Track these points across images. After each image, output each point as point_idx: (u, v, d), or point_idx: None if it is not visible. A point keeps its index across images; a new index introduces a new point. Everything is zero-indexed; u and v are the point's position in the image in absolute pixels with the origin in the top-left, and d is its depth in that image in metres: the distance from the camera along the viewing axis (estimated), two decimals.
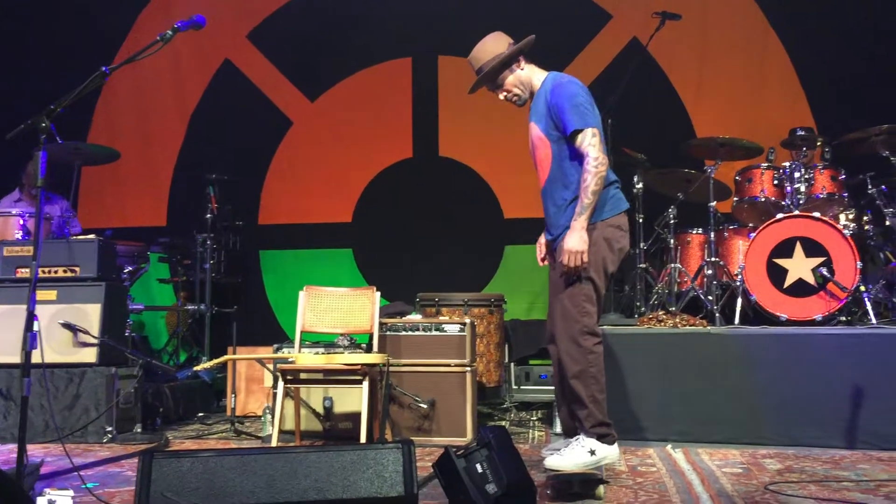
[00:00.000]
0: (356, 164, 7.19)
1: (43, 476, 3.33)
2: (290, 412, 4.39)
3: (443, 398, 4.46)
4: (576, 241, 3.27)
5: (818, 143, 5.18)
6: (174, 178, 7.43)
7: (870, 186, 5.04)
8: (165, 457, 2.61)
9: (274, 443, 4.01)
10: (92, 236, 5.07)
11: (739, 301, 4.75)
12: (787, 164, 5.05)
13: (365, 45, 7.23)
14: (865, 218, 5.16)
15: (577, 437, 3.33)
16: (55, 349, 4.65)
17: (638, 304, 5.31)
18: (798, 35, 6.51)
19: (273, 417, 4.12)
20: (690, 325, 4.68)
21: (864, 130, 4.98)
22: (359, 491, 2.61)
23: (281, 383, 4.07)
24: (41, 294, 4.68)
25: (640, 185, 5.41)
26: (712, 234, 5.03)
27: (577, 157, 3.32)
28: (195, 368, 4.65)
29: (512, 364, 5.73)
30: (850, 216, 5.12)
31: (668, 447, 4.14)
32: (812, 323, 4.58)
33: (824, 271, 4.59)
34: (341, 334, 4.58)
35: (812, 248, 4.64)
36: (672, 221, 5.34)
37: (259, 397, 5.42)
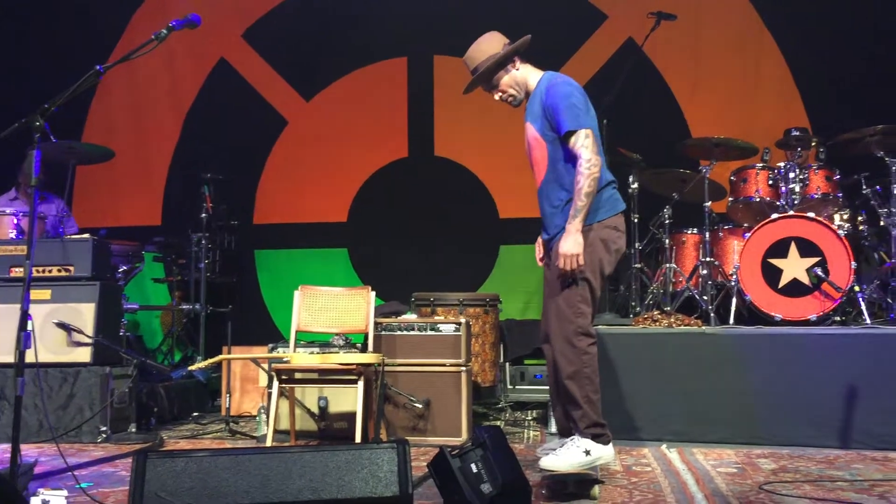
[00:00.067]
0: (351, 163, 7.19)
1: (37, 476, 3.33)
2: (285, 412, 4.38)
3: (438, 398, 4.46)
4: (571, 244, 3.27)
5: (813, 144, 5.19)
6: (169, 177, 7.41)
7: (864, 187, 5.05)
8: (159, 456, 2.61)
9: (269, 442, 4.00)
10: (86, 235, 5.06)
11: (734, 301, 4.76)
12: (782, 164, 5.06)
13: (360, 45, 7.22)
14: (860, 218, 5.17)
15: (572, 437, 3.33)
16: (49, 349, 4.64)
17: (633, 303, 5.32)
18: (793, 35, 6.53)
19: (268, 417, 4.11)
20: (685, 325, 4.69)
21: (859, 131, 4.99)
22: (353, 491, 2.61)
23: (276, 383, 4.07)
24: (35, 293, 4.64)
25: (635, 185, 5.42)
26: (707, 234, 5.04)
27: (572, 157, 3.32)
28: (190, 368, 4.64)
29: (507, 364, 5.72)
30: (845, 216, 5.13)
31: (663, 447, 4.15)
32: (807, 323, 4.59)
33: (819, 271, 4.59)
34: (336, 334, 4.57)
35: (807, 248, 4.65)
36: (667, 221, 5.35)
37: (254, 397, 5.41)
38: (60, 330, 4.68)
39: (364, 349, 4.50)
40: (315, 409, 4.52)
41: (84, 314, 4.73)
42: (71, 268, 4.85)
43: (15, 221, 5.22)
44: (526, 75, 3.54)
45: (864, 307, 4.55)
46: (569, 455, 3.24)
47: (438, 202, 7.01)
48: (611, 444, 3.35)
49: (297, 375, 4.17)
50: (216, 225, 6.47)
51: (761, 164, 5.15)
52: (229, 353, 5.21)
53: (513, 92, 3.55)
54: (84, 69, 3.10)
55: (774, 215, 4.79)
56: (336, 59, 7.26)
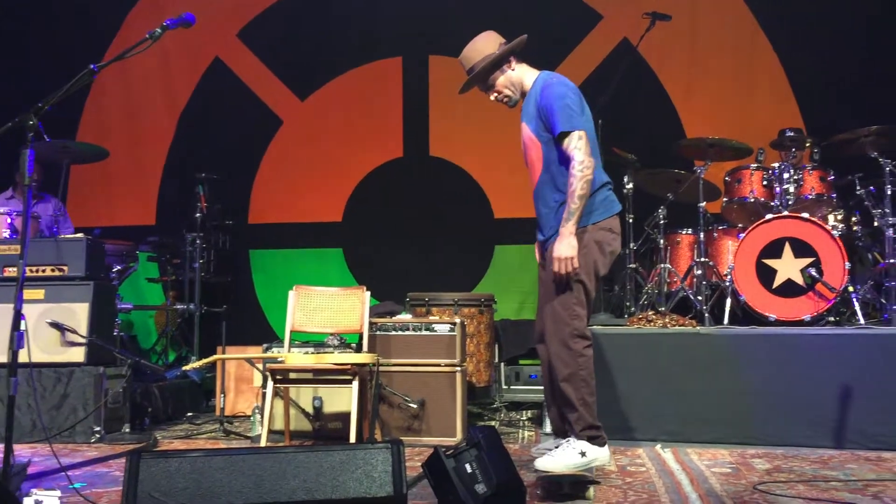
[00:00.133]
0: (346, 163, 7.18)
1: (30, 476, 3.31)
2: (280, 412, 4.37)
3: (433, 398, 4.46)
4: (565, 247, 3.26)
5: (807, 144, 5.20)
6: (163, 176, 7.40)
7: (858, 187, 5.06)
8: (153, 457, 2.60)
9: (263, 443, 3.99)
10: (80, 235, 5.04)
11: (729, 301, 4.77)
12: (777, 164, 5.07)
13: (355, 44, 7.22)
14: (854, 219, 5.18)
15: (568, 438, 3.34)
16: (43, 348, 4.62)
17: (628, 304, 5.32)
18: (787, 36, 6.54)
19: (262, 417, 4.11)
20: (680, 326, 4.70)
21: (853, 131, 5.00)
22: (347, 491, 2.61)
23: (270, 383, 4.06)
24: (29, 293, 4.65)
25: (630, 186, 5.42)
26: (702, 235, 5.05)
27: (566, 159, 3.32)
28: (184, 368, 4.64)
29: (502, 364, 5.72)
30: (839, 217, 5.14)
31: (658, 447, 4.15)
32: (801, 323, 4.60)
33: (813, 272, 4.60)
34: (331, 334, 4.56)
35: (801, 248, 4.66)
36: (662, 222, 5.35)
37: (248, 397, 5.40)
38: (54, 330, 4.66)
39: (359, 349, 4.49)
40: (310, 410, 4.51)
41: (78, 314, 4.72)
42: (65, 267, 4.83)
43: (9, 221, 5.20)
44: (521, 75, 3.54)
45: (857, 308, 4.56)
46: (564, 456, 3.24)
47: (433, 202, 7.01)
48: (606, 446, 3.35)
49: (292, 375, 4.16)
50: (211, 225, 6.46)
51: (756, 165, 5.16)
52: (224, 353, 5.20)
53: (508, 92, 3.55)
54: (81, 68, 3.09)
55: (769, 216, 4.80)
56: (331, 59, 7.25)
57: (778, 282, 4.69)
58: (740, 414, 4.28)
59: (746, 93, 6.58)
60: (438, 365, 4.49)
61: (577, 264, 3.27)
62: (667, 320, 4.75)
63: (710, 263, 5.09)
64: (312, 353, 4.45)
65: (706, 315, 4.81)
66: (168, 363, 6.30)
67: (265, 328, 6.89)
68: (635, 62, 6.02)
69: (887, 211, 4.83)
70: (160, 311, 6.73)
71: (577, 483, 3.22)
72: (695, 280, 5.06)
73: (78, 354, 4.67)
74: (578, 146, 3.28)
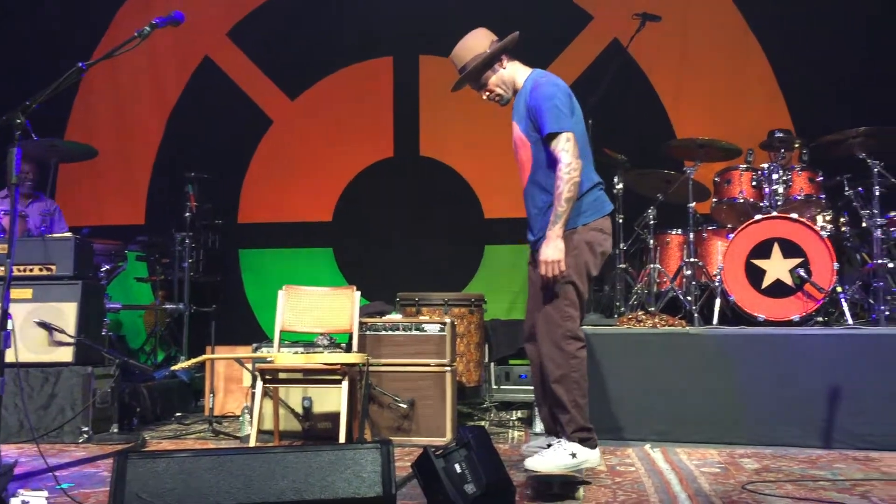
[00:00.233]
0: (337, 163, 7.17)
1: (16, 476, 3.29)
2: (269, 412, 4.36)
3: (422, 398, 4.45)
4: (552, 250, 3.25)
5: (796, 145, 5.22)
6: (153, 175, 7.37)
7: (847, 188, 5.09)
8: (140, 457, 2.58)
9: (252, 443, 3.98)
10: (68, 234, 5.01)
11: (718, 301, 4.78)
12: (766, 165, 5.08)
13: (346, 44, 7.21)
14: (842, 219, 5.20)
15: (559, 439, 3.34)
16: (30, 348, 4.59)
17: (617, 304, 5.33)
18: (777, 37, 6.57)
19: (252, 417, 4.09)
20: (669, 326, 4.71)
21: (842, 132, 5.02)
22: (337, 491, 2.60)
23: (260, 383, 4.05)
24: (16, 292, 4.63)
25: (620, 186, 5.44)
26: (691, 235, 5.06)
27: (555, 160, 3.30)
28: (173, 368, 4.62)
29: (492, 364, 5.72)
30: (828, 218, 5.16)
31: (647, 447, 4.16)
32: (789, 323, 4.61)
33: (802, 272, 4.62)
34: (321, 334, 4.55)
35: (790, 249, 4.68)
36: (652, 222, 5.36)
37: (238, 397, 5.38)
38: (42, 329, 4.63)
39: (348, 349, 4.48)
40: (299, 410, 4.50)
41: (66, 313, 4.69)
42: (53, 267, 4.81)
43: None
44: (513, 74, 3.53)
45: (846, 308, 4.58)
46: (554, 457, 3.25)
47: (424, 202, 7.00)
48: (597, 448, 3.35)
49: (282, 375, 4.15)
50: (200, 224, 6.44)
51: (745, 166, 5.18)
52: (213, 352, 5.18)
53: (500, 91, 3.54)
54: (71, 66, 3.07)
55: (758, 216, 4.82)
56: (321, 59, 7.24)
57: (767, 282, 4.71)
58: (729, 414, 4.29)
59: (736, 94, 6.60)
60: (428, 365, 4.48)
61: (564, 267, 3.25)
62: (656, 320, 4.76)
63: (700, 264, 5.11)
64: (302, 352, 4.44)
65: (695, 315, 4.82)
66: (157, 363, 6.27)
67: (255, 328, 6.87)
68: (625, 63, 6.03)
69: (875, 212, 4.85)
70: (149, 311, 6.70)
71: (566, 483, 3.22)
72: (684, 280, 5.07)
73: (66, 354, 4.64)
74: (566, 148, 3.26)
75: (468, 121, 6.73)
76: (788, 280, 4.67)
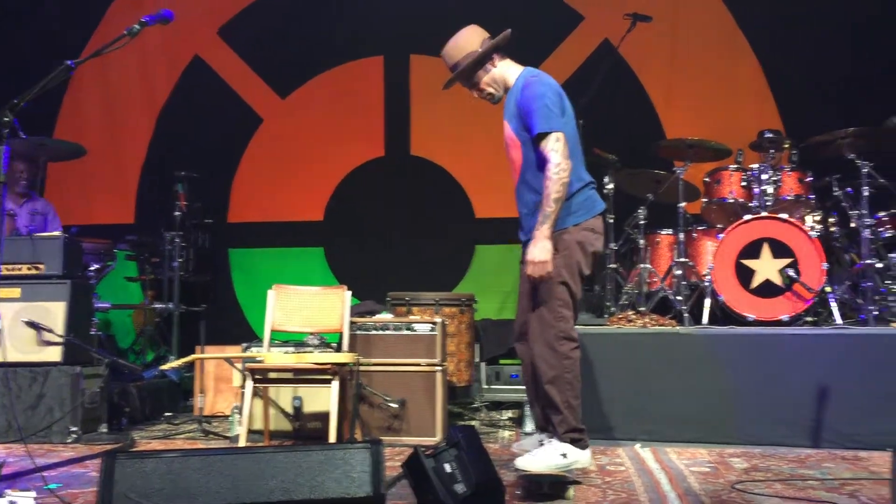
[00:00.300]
0: (327, 162, 7.15)
1: (4, 477, 3.27)
2: (259, 412, 4.35)
3: (413, 398, 4.45)
4: (539, 251, 3.23)
5: (785, 146, 5.24)
6: (142, 174, 7.34)
7: (836, 189, 5.11)
8: (129, 457, 2.57)
9: (242, 443, 3.97)
10: (57, 233, 4.99)
11: (708, 301, 4.79)
12: (756, 165, 5.09)
13: (337, 43, 7.19)
14: (831, 220, 5.22)
15: (551, 439, 3.33)
16: (18, 348, 4.57)
17: (608, 304, 5.33)
18: (767, 38, 6.59)
19: (241, 417, 4.08)
20: (659, 326, 4.72)
21: (831, 133, 5.04)
22: (326, 491, 2.59)
23: (249, 382, 4.04)
24: (4, 292, 4.62)
25: (611, 186, 5.44)
26: (681, 235, 5.07)
27: (544, 160, 3.28)
28: (162, 367, 4.60)
29: (482, 364, 5.72)
30: (817, 218, 5.18)
31: (637, 446, 4.17)
32: (779, 323, 4.63)
33: (791, 272, 4.64)
34: (311, 333, 4.54)
35: (779, 249, 4.69)
36: (642, 222, 5.37)
37: (227, 397, 5.37)
38: (30, 329, 4.61)
39: (339, 349, 4.47)
40: (289, 409, 4.49)
41: (54, 313, 4.67)
42: (41, 266, 4.78)
43: None
44: (504, 72, 3.51)
45: (835, 308, 4.59)
46: (545, 457, 3.24)
47: (414, 202, 7.00)
48: (588, 450, 3.35)
49: (272, 375, 4.14)
50: (190, 223, 6.41)
51: (735, 166, 5.19)
52: (202, 352, 5.17)
53: (491, 90, 3.53)
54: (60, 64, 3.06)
55: (747, 216, 4.83)
56: (312, 57, 7.22)
57: (756, 282, 4.72)
58: (719, 413, 4.30)
59: (726, 94, 6.62)
60: (419, 364, 4.48)
61: (551, 268, 3.24)
62: (647, 320, 4.77)
63: (690, 264, 5.12)
64: (292, 352, 4.43)
65: (686, 315, 4.83)
66: (146, 363, 6.25)
67: (245, 328, 6.85)
68: (616, 63, 6.04)
69: (864, 212, 4.87)
70: (138, 311, 6.67)
71: (557, 483, 3.22)
72: (674, 280, 5.08)
73: (54, 354, 4.62)
74: (555, 148, 3.25)
75: (459, 120, 6.73)
76: (778, 280, 4.68)
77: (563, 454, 3.25)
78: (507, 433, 4.76)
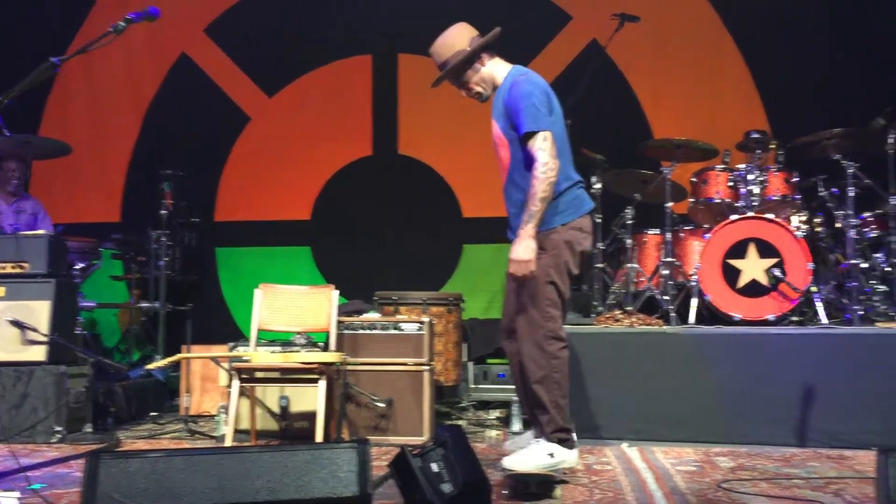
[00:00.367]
0: (315, 161, 7.13)
1: None
2: (246, 411, 4.33)
3: (400, 397, 4.44)
4: (522, 249, 3.22)
5: (771, 146, 5.26)
6: (128, 173, 7.29)
7: (821, 189, 5.14)
8: (113, 457, 2.55)
9: (228, 442, 3.95)
10: (42, 231, 4.95)
11: (694, 301, 4.80)
12: (742, 166, 5.11)
13: (324, 42, 7.17)
14: (817, 220, 5.25)
15: (538, 438, 3.33)
16: (3, 347, 4.55)
17: (595, 303, 5.35)
18: (753, 38, 6.61)
19: (228, 417, 4.06)
20: (646, 325, 4.73)
21: (816, 134, 5.07)
22: (312, 491, 2.58)
23: (236, 382, 4.02)
24: None
25: (598, 186, 5.45)
26: (668, 235, 5.08)
27: (532, 160, 3.27)
28: (148, 367, 4.58)
29: (470, 363, 5.72)
30: (803, 218, 5.20)
31: (624, 445, 4.17)
32: (765, 323, 4.65)
33: (777, 272, 4.66)
34: (298, 333, 4.53)
35: (765, 249, 4.71)
36: (629, 222, 5.38)
37: (214, 396, 5.34)
38: (14, 328, 4.58)
39: (326, 348, 4.46)
40: (276, 409, 4.47)
41: (39, 312, 4.64)
42: (26, 264, 4.75)
43: None
44: (493, 71, 3.50)
45: (820, 308, 4.61)
46: (532, 456, 3.24)
47: (402, 201, 6.99)
48: (576, 449, 3.35)
49: (258, 374, 4.12)
50: (176, 222, 6.38)
51: (722, 166, 5.21)
52: (189, 351, 5.14)
53: (479, 89, 3.53)
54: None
55: (734, 217, 4.85)
56: (300, 56, 7.20)
57: (743, 282, 4.74)
58: (706, 412, 4.31)
59: (713, 95, 6.64)
60: (406, 364, 4.48)
61: (534, 267, 3.23)
62: (634, 320, 4.78)
63: (677, 263, 5.13)
64: (279, 351, 4.42)
65: (672, 315, 4.84)
66: (132, 362, 6.21)
67: (231, 327, 6.82)
68: (604, 63, 6.05)
69: (849, 212, 4.90)
70: (124, 310, 6.63)
71: (544, 483, 3.23)
72: (661, 280, 5.10)
73: (39, 353, 4.59)
74: (543, 147, 3.24)
75: (447, 120, 6.72)
76: (764, 280, 4.70)
77: (551, 454, 3.25)
78: (494, 432, 4.76)
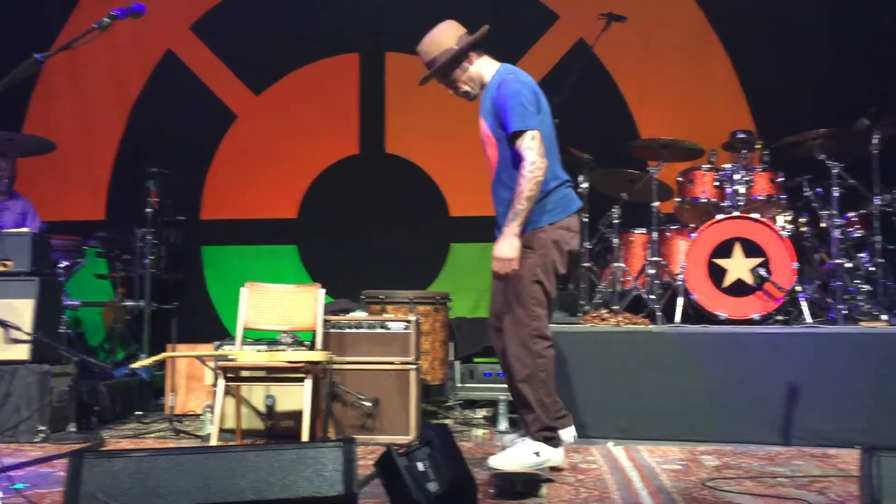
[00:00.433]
0: (302, 159, 7.11)
1: None
2: (231, 410, 4.31)
3: (386, 396, 4.44)
4: (506, 248, 3.21)
5: (757, 146, 5.29)
6: (113, 170, 7.25)
7: (806, 189, 5.17)
8: (96, 457, 2.53)
9: (213, 442, 3.93)
10: (25, 229, 4.91)
11: (680, 300, 4.82)
12: (728, 166, 5.13)
13: (312, 40, 7.15)
14: (802, 220, 5.28)
15: (524, 437, 3.34)
16: None
17: (582, 302, 5.36)
18: (738, 38, 6.65)
19: (213, 416, 4.04)
20: (633, 324, 4.74)
21: (802, 134, 5.10)
22: (297, 490, 2.57)
23: (221, 381, 3.99)
24: None
25: (585, 185, 5.46)
26: (655, 234, 5.10)
27: (520, 158, 3.26)
28: (132, 366, 4.54)
29: (457, 362, 5.72)
30: (788, 218, 5.23)
31: (610, 444, 4.18)
32: (750, 322, 4.67)
33: (762, 272, 4.68)
34: (284, 331, 4.51)
35: (751, 248, 4.74)
36: (616, 221, 5.40)
37: (199, 395, 5.31)
38: None
39: (312, 347, 4.45)
40: (262, 408, 4.45)
41: (22, 310, 4.59)
42: (9, 262, 4.71)
43: None
44: (481, 69, 3.49)
45: (805, 307, 4.64)
46: (518, 455, 3.24)
47: (389, 200, 6.98)
48: (561, 448, 3.36)
49: (244, 373, 4.10)
50: (162, 220, 6.35)
51: (708, 166, 5.23)
52: (174, 350, 5.11)
53: (467, 88, 3.52)
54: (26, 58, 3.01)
55: (720, 216, 4.87)
56: (287, 54, 7.17)
57: (728, 281, 4.76)
58: (691, 411, 4.33)
59: (699, 95, 6.67)
60: (392, 363, 4.47)
61: (517, 266, 3.23)
62: (620, 319, 4.79)
63: (663, 263, 5.15)
64: (265, 350, 4.39)
65: (658, 314, 4.86)
66: (116, 361, 6.18)
67: (217, 326, 6.78)
68: (591, 63, 6.06)
69: (834, 212, 4.93)
70: (108, 308, 6.59)
71: (529, 481, 3.22)
72: (648, 279, 5.11)
73: (22, 352, 4.55)
74: (531, 146, 3.23)
75: (434, 118, 6.72)
76: (749, 279, 4.73)
77: (536, 452, 3.25)
78: (480, 432, 4.76)
